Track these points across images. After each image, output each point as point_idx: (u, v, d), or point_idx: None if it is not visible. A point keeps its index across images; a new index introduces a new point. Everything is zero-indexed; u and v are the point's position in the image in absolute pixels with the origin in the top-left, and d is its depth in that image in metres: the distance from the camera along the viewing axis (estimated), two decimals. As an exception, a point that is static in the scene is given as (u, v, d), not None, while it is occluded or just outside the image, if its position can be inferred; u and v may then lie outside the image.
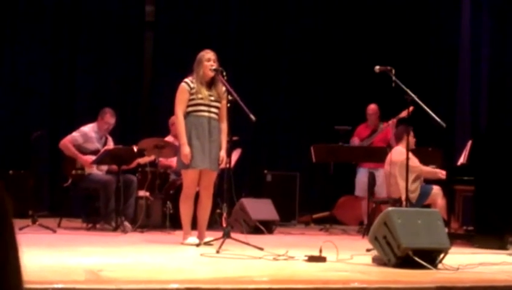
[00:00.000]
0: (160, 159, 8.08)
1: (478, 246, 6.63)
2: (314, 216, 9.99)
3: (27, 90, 9.95)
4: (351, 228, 9.39)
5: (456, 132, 10.01)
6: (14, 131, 9.60)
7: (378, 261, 4.77)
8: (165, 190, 8.26)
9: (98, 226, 7.72)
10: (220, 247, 5.33)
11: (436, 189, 7.84)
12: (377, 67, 6.26)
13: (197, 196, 6.18)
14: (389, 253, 4.65)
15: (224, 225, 6.02)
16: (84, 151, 7.80)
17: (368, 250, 5.21)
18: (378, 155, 8.53)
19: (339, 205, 10.21)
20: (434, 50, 10.97)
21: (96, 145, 7.90)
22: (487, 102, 10.30)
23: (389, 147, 8.44)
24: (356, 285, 3.70)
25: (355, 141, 9.18)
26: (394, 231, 4.63)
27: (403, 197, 6.72)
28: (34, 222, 6.99)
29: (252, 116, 5.65)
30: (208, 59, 6.07)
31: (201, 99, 6.03)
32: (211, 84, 6.10)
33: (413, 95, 6.09)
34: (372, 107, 9.29)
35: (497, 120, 9.97)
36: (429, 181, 7.97)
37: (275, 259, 4.90)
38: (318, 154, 8.62)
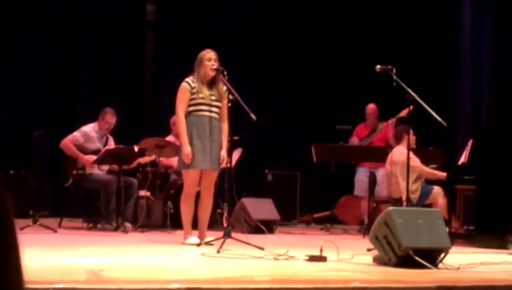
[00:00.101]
0: (161, 158, 8.09)
1: (479, 246, 6.63)
2: (315, 216, 9.99)
3: (28, 90, 9.96)
4: (351, 227, 9.39)
5: (457, 131, 10.01)
6: (15, 131, 9.60)
7: (378, 261, 4.77)
8: (166, 189, 8.26)
9: (98, 226, 7.72)
10: (220, 247, 5.33)
11: (437, 189, 7.84)
12: (378, 66, 6.26)
13: (197, 196, 6.19)
14: (390, 252, 4.65)
15: (225, 224, 6.02)
16: (85, 151, 7.80)
17: (369, 250, 5.21)
18: (379, 155, 8.53)
19: (339, 204, 10.21)
20: (435, 49, 10.96)
21: (97, 145, 7.90)
22: (488, 101, 10.29)
23: (389, 147, 8.43)
24: (357, 285, 3.69)
25: (354, 141, 9.17)
26: (395, 231, 4.63)
27: (404, 197, 6.72)
28: (34, 222, 6.99)
29: (253, 116, 5.65)
30: (209, 59, 6.07)
31: (202, 98, 6.04)
32: (211, 83, 6.10)
33: (414, 94, 6.09)
34: (371, 107, 9.28)
35: (498, 119, 9.96)
36: (430, 181, 7.96)
37: (275, 259, 4.90)
38: (319, 154, 8.62)
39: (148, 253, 5.27)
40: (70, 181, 7.89)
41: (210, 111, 6.06)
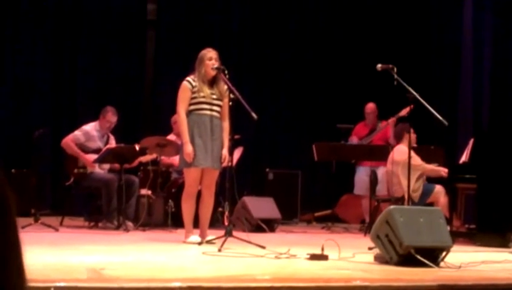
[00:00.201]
0: (162, 157, 8.09)
1: (480, 244, 6.63)
2: (316, 214, 9.99)
3: (29, 89, 9.96)
4: (352, 226, 9.39)
5: (458, 130, 10.00)
6: (16, 130, 9.61)
7: (380, 260, 4.77)
8: (167, 188, 8.26)
9: (100, 224, 7.73)
10: (221, 245, 5.33)
11: (438, 187, 7.84)
12: (379, 65, 6.25)
13: (199, 195, 6.19)
14: (391, 251, 4.65)
15: (226, 223, 6.02)
16: (86, 150, 7.81)
17: (370, 248, 5.21)
18: (380, 153, 8.53)
19: (340, 203, 10.22)
20: (436, 48, 10.95)
21: (98, 143, 7.91)
22: (489, 100, 10.29)
23: (390, 146, 8.43)
24: (358, 283, 3.70)
25: (353, 140, 9.17)
26: (396, 229, 4.63)
27: (406, 196, 6.72)
28: (36, 221, 7.00)
29: (254, 115, 5.66)
30: (210, 58, 6.07)
31: (203, 97, 6.04)
32: (212, 82, 6.11)
33: (415, 93, 6.09)
34: (370, 106, 9.27)
35: (499, 118, 9.96)
36: (431, 180, 7.96)
37: (276, 257, 4.90)
38: (320, 153, 8.62)
39: (149, 252, 5.27)
40: (72, 180, 7.89)
41: (211, 110, 6.06)
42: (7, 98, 9.80)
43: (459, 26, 10.50)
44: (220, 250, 5.23)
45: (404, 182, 7.14)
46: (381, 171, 8.63)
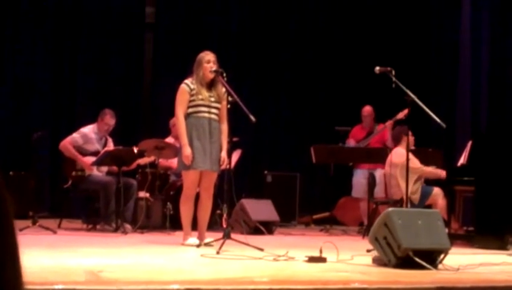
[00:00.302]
0: (160, 160, 8.09)
1: (478, 247, 6.63)
2: (315, 217, 9.99)
3: (29, 89, 9.97)
4: (351, 228, 9.39)
5: (456, 133, 10.01)
6: (16, 130, 9.61)
7: (378, 262, 4.77)
8: (165, 190, 8.26)
9: (98, 227, 7.72)
10: (220, 248, 5.33)
11: (436, 190, 7.85)
12: (377, 68, 6.24)
13: (197, 197, 6.19)
14: (390, 253, 4.65)
15: (224, 225, 6.02)
16: (84, 153, 7.80)
17: (368, 251, 5.21)
18: (378, 156, 8.53)
19: (339, 205, 10.22)
20: (434, 48, 10.95)
21: (96, 146, 7.90)
22: (487, 99, 10.27)
23: (388, 149, 8.43)
24: (356, 286, 3.69)
25: (350, 143, 9.17)
26: (394, 232, 4.64)
27: (405, 198, 6.72)
28: (34, 223, 7.00)
29: (252, 117, 5.66)
30: (208, 61, 6.08)
31: (201, 100, 6.04)
32: (211, 85, 6.11)
33: (413, 96, 6.08)
34: (367, 109, 9.27)
35: (497, 119, 9.94)
36: (430, 182, 7.97)
37: (275, 260, 4.91)
38: (318, 155, 8.62)
39: (147, 254, 5.27)
40: (70, 182, 7.89)
41: (209, 112, 6.06)
42: (7, 98, 9.80)
43: (457, 25, 10.49)
44: (218, 252, 5.22)
45: (403, 185, 7.14)
46: (379, 174, 8.63)
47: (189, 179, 6.10)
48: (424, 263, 4.50)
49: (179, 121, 6.07)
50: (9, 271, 1.09)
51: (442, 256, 4.72)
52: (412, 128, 6.93)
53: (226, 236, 5.61)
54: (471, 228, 7.57)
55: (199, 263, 4.77)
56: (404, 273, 4.36)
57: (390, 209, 4.94)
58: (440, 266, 4.65)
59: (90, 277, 3.72)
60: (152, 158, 8.12)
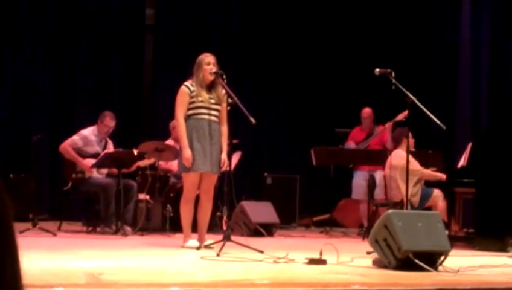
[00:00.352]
0: (160, 162, 8.08)
1: (478, 249, 6.63)
2: (315, 219, 9.98)
3: (29, 89, 9.96)
4: (351, 230, 9.39)
5: (456, 134, 10.00)
6: (15, 134, 9.60)
7: (378, 264, 4.77)
8: (165, 193, 8.26)
9: (98, 229, 7.72)
10: (220, 250, 5.33)
11: (436, 192, 7.84)
12: (377, 70, 6.24)
13: (197, 199, 6.19)
14: (390, 255, 4.64)
15: (224, 227, 6.02)
16: (84, 155, 7.80)
17: (369, 252, 5.21)
18: (378, 158, 8.52)
19: (339, 207, 10.21)
20: (434, 48, 10.95)
21: (96, 148, 7.90)
22: (487, 100, 10.27)
23: (388, 151, 8.43)
24: (356, 288, 3.69)
25: (350, 145, 9.16)
26: (394, 234, 4.63)
27: (405, 200, 6.72)
28: (34, 225, 6.99)
29: (252, 119, 5.66)
30: (208, 63, 6.08)
31: (201, 102, 6.04)
32: (210, 87, 6.11)
33: (413, 97, 6.08)
34: (367, 111, 9.26)
35: (497, 120, 9.94)
36: (430, 184, 7.96)
37: (275, 262, 4.90)
38: (318, 157, 8.61)
39: (147, 256, 5.27)
40: (70, 185, 7.88)
41: (209, 114, 6.06)
42: (7, 98, 9.80)
43: (457, 26, 10.49)
44: (218, 255, 5.22)
45: (403, 187, 7.14)
46: (378, 176, 8.62)
47: (189, 181, 6.10)
48: (424, 265, 4.50)
49: (179, 123, 6.07)
50: (9, 273, 1.09)
51: (442, 258, 4.71)
52: (412, 130, 6.93)
53: (226, 238, 5.61)
54: (471, 230, 7.56)
55: (199, 265, 4.77)
56: (404, 275, 4.36)
57: (390, 211, 4.94)
58: (440, 268, 4.65)
59: (90, 279, 3.72)
60: (152, 160, 8.12)
